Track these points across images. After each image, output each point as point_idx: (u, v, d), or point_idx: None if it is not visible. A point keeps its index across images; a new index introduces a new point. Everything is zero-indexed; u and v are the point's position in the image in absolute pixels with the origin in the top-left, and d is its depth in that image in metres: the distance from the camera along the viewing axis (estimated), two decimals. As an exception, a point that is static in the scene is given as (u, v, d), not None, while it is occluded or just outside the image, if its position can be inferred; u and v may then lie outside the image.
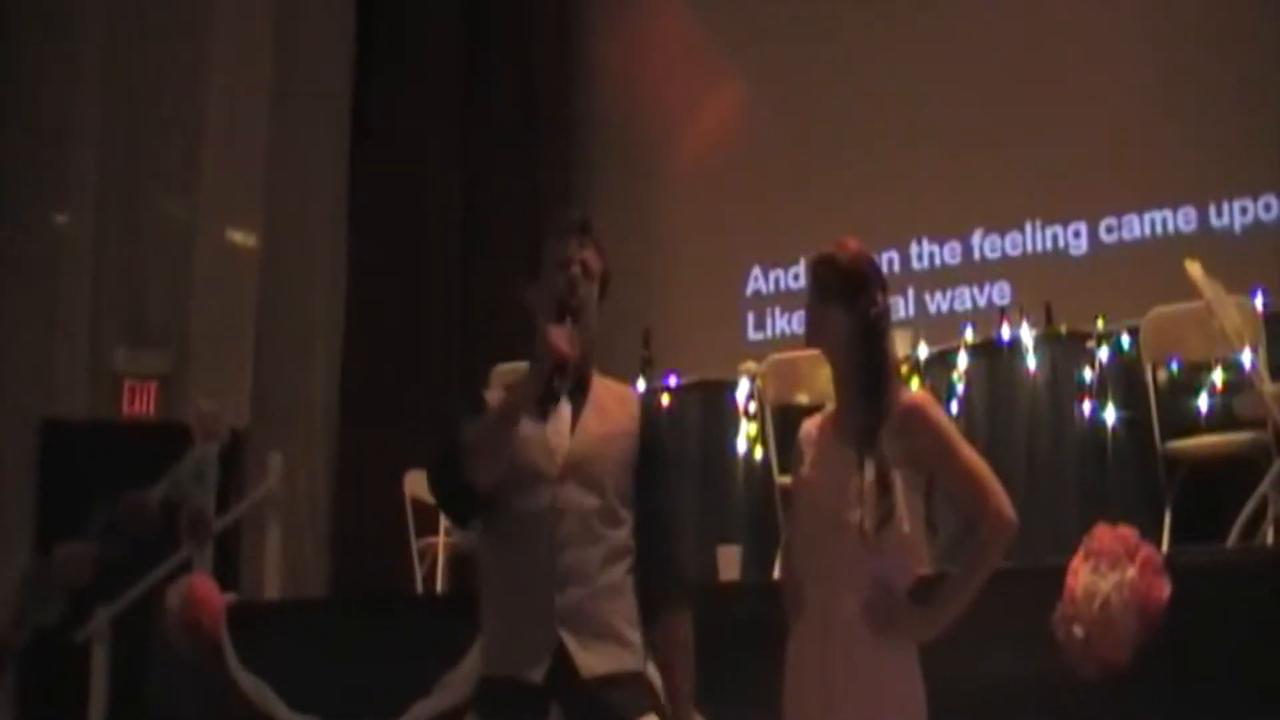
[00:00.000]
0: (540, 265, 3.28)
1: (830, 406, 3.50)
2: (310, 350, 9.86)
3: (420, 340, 9.86)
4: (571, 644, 3.05)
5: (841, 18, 9.39)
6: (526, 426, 3.13)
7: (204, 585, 6.85)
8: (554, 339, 3.08)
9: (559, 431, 3.19)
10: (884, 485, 3.23)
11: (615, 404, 3.29)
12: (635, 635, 3.16)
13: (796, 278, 9.24)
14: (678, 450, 7.02)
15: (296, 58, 9.98)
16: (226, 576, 7.69)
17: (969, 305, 8.72)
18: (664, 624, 3.19)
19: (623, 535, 3.18)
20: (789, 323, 9.28)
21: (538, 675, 3.04)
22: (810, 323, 3.42)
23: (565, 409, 3.20)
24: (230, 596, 7.04)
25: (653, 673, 3.20)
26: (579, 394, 3.23)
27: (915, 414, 3.33)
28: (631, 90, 10.21)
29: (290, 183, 9.91)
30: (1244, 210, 8.10)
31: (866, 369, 3.33)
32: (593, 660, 3.07)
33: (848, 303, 3.34)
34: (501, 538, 3.17)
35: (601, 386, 3.31)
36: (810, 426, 3.49)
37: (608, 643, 3.10)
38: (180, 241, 9.49)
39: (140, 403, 8.92)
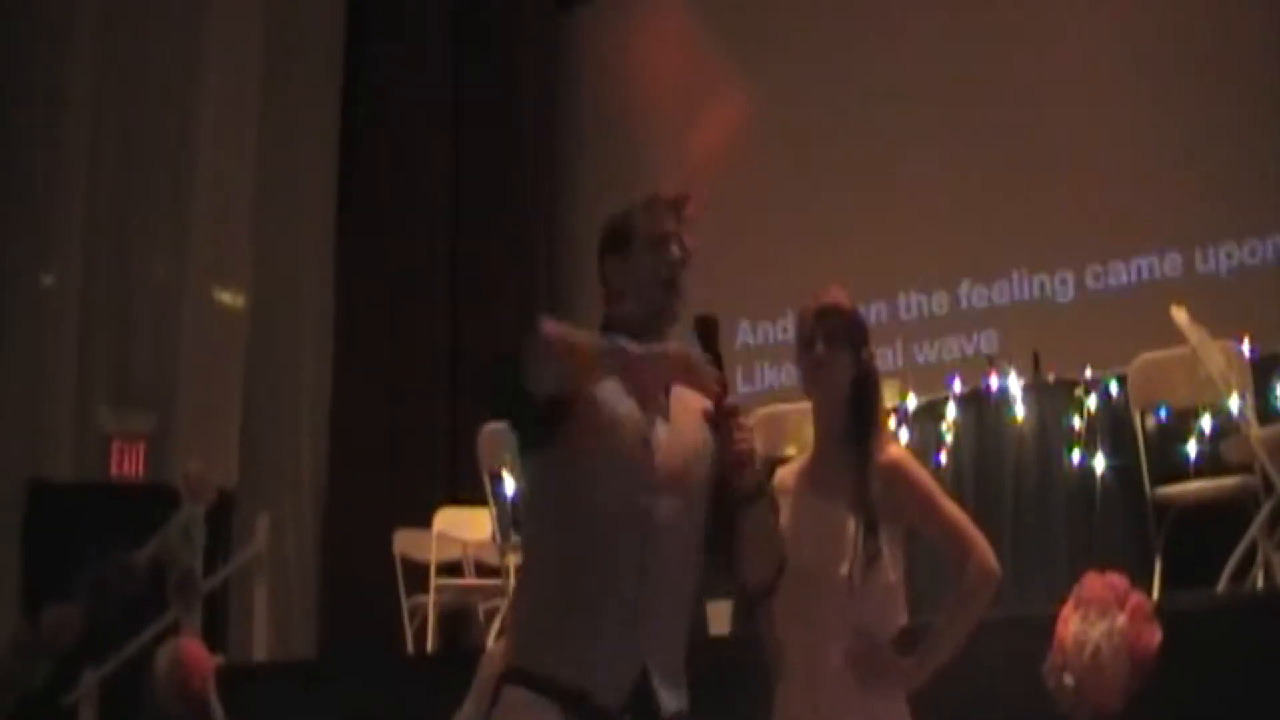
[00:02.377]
0: (628, 240, 3.01)
1: (804, 457, 3.50)
2: (298, 410, 9.85)
3: (409, 400, 9.84)
4: (655, 677, 2.81)
5: (826, 71, 9.42)
6: (621, 400, 2.85)
7: (193, 647, 6.81)
8: (700, 375, 2.87)
9: (654, 427, 2.90)
10: (871, 526, 3.25)
11: (696, 404, 2.98)
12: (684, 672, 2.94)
13: (785, 331, 9.20)
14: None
15: (283, 120, 10.00)
16: (215, 638, 7.66)
17: (957, 355, 8.71)
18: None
19: (701, 562, 2.93)
20: (777, 376, 9.26)
21: (616, 701, 2.78)
22: (816, 369, 3.40)
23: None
24: (219, 658, 7.00)
25: None
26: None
27: (896, 469, 3.37)
28: (616, 151, 10.22)
29: (278, 243, 9.92)
30: (1229, 255, 8.12)
31: (863, 416, 3.38)
32: (671, 698, 2.85)
33: (854, 350, 3.39)
34: (584, 538, 2.83)
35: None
36: (785, 475, 3.48)
37: (679, 679, 2.89)
38: (168, 300, 9.48)
39: (129, 463, 8.86)
